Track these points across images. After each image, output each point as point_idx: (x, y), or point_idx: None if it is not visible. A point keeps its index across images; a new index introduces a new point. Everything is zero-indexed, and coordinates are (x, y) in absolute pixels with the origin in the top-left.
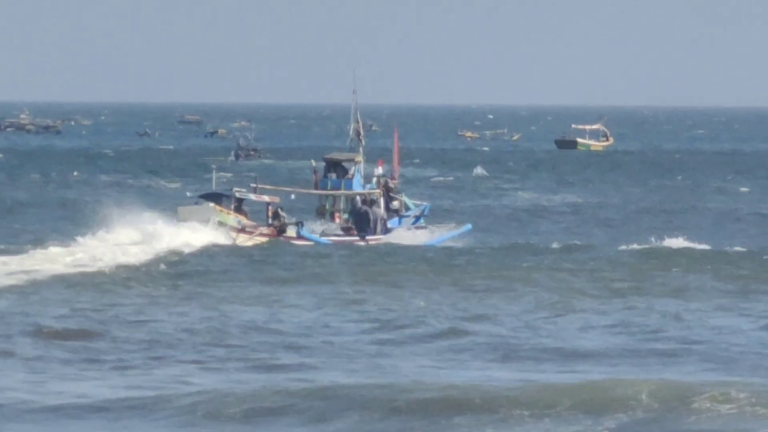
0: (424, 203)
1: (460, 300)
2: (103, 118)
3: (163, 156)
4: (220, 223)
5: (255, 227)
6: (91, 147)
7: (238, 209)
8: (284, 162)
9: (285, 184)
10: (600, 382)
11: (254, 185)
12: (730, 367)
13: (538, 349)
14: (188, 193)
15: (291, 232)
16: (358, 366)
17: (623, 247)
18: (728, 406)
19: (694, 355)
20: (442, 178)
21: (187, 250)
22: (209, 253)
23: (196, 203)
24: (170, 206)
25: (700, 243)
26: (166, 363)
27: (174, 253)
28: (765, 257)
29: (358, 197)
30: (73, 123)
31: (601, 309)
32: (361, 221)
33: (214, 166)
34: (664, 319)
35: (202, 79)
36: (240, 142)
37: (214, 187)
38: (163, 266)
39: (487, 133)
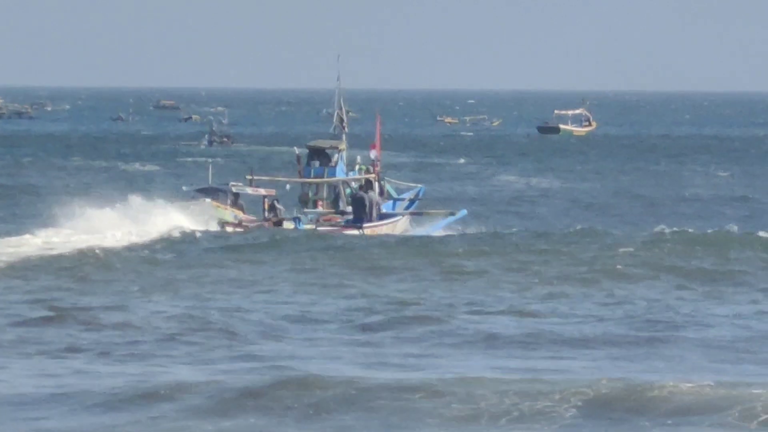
0: (419, 185)
1: (444, 286)
2: (79, 102)
3: (138, 141)
4: (217, 220)
5: (252, 221)
6: (66, 131)
7: (235, 203)
8: (258, 148)
9: (260, 171)
10: (569, 365)
11: (250, 177)
12: (716, 355)
13: (523, 335)
14: (184, 187)
15: (289, 225)
16: (338, 354)
17: (608, 233)
18: (689, 386)
19: (681, 343)
20: (421, 163)
21: (167, 236)
22: (190, 238)
23: (192, 198)
24: (144, 190)
25: (684, 228)
26: (142, 350)
27: (155, 239)
28: (738, 250)
29: (353, 183)
30: (49, 108)
31: (587, 295)
32: (357, 206)
33: (209, 161)
34: (651, 305)
35: (179, 63)
36: (213, 128)
37: (210, 182)
38: (145, 252)
39: (467, 118)
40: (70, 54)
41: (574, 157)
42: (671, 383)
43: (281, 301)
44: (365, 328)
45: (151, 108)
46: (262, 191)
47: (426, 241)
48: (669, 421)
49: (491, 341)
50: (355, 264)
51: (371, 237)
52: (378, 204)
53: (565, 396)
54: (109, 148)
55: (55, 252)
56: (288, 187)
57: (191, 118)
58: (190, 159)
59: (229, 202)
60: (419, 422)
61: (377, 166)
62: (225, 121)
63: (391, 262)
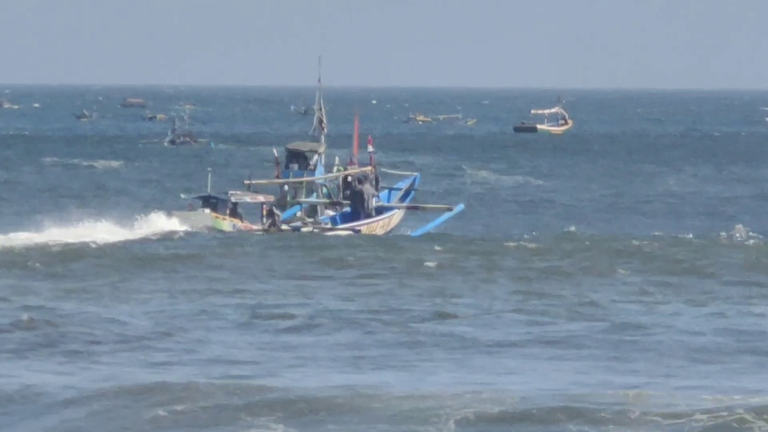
0: (414, 173)
1: (416, 286)
2: (48, 100)
3: (101, 139)
4: (216, 230)
5: (251, 230)
6: (28, 129)
7: (234, 212)
8: (225, 147)
9: (222, 170)
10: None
11: (248, 182)
12: (693, 358)
13: (493, 337)
14: (182, 195)
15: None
16: (294, 354)
17: (584, 233)
18: (639, 390)
19: (658, 345)
20: (394, 162)
21: (142, 238)
22: (165, 240)
23: (190, 205)
24: (108, 186)
25: (661, 227)
26: (101, 351)
27: (129, 240)
28: (715, 250)
29: (350, 176)
30: (17, 106)
31: (561, 296)
32: (355, 200)
33: (209, 169)
34: (625, 307)
35: (152, 61)
36: (175, 126)
37: (209, 189)
38: (119, 253)
39: (440, 117)
40: (38, 51)
41: (550, 157)
42: (622, 390)
43: (251, 303)
44: (329, 330)
45: (118, 106)
46: (261, 198)
47: (399, 240)
48: (610, 415)
49: (462, 342)
50: (331, 264)
51: (352, 237)
52: (374, 196)
53: (506, 392)
54: (73, 147)
55: (30, 252)
56: (286, 188)
57: (155, 117)
58: (153, 158)
59: (227, 211)
60: (360, 410)
61: (354, 163)
62: (187, 119)
63: (365, 261)
